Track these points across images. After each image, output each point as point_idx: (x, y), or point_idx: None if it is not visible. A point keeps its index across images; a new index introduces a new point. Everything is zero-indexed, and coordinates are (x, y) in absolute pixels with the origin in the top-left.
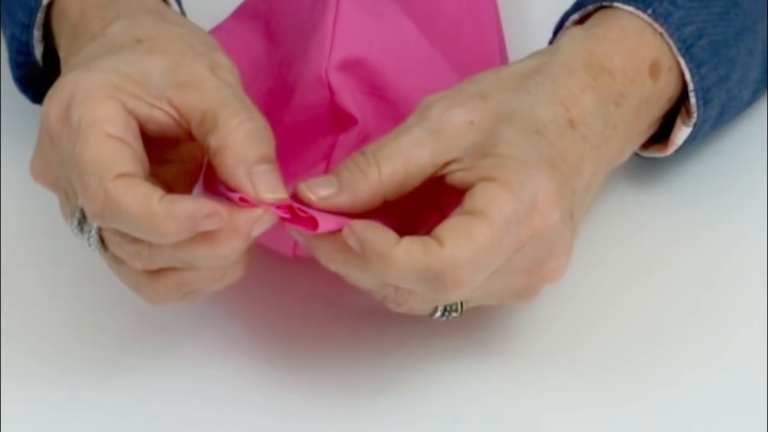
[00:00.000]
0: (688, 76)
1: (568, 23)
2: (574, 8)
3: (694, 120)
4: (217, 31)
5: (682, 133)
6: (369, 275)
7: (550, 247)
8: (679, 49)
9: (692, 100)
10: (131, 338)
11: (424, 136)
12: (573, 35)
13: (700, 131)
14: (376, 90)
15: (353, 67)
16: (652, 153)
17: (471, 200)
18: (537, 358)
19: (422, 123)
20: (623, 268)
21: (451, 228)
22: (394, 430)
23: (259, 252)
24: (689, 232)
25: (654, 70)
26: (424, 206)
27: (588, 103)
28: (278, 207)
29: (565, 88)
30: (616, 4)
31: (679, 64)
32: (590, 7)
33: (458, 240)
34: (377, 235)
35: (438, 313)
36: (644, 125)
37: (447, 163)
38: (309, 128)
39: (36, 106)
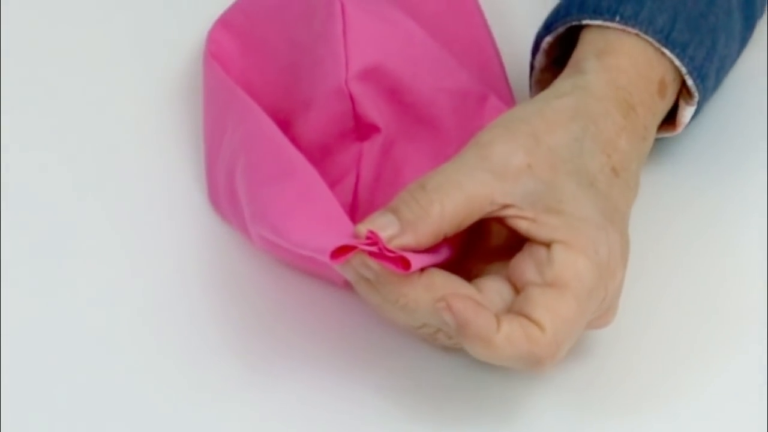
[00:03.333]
0: (678, 63)
1: (544, 45)
2: (546, 30)
3: (696, 98)
4: (211, 45)
5: (687, 112)
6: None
7: (611, 302)
8: (659, 41)
9: (689, 82)
10: (130, 339)
11: (486, 176)
12: (593, 68)
13: (703, 103)
14: (394, 95)
15: (371, 74)
16: (662, 134)
17: (551, 270)
18: None
19: (484, 162)
20: None
21: (545, 308)
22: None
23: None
24: (685, 217)
25: (661, 89)
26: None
27: (624, 147)
28: (366, 244)
29: (605, 131)
30: (585, 21)
31: (681, 81)
32: (561, 29)
33: (556, 322)
34: (478, 318)
35: None
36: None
37: (505, 206)
38: (331, 140)
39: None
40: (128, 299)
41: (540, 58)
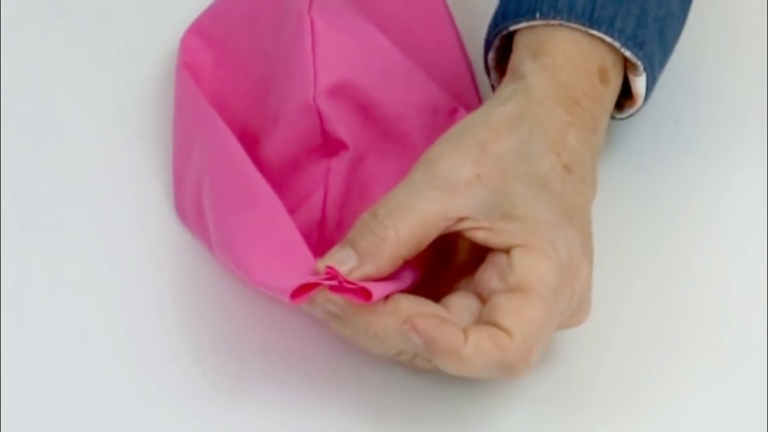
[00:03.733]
0: (609, 39)
1: (490, 62)
2: (486, 48)
3: (641, 67)
4: (185, 56)
5: (639, 83)
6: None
7: (581, 299)
8: (583, 24)
9: (627, 54)
10: (93, 346)
11: (436, 194)
12: (530, 71)
13: (654, 69)
14: (363, 110)
15: (340, 90)
16: (629, 111)
17: (513, 275)
18: None
19: (432, 181)
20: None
21: (511, 314)
22: None
23: None
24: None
25: (603, 77)
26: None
27: (574, 143)
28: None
29: (551, 131)
30: (511, 27)
31: (624, 58)
32: (496, 42)
33: (523, 326)
34: (444, 333)
35: None
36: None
37: (460, 219)
38: (299, 156)
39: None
40: (94, 307)
41: (494, 75)
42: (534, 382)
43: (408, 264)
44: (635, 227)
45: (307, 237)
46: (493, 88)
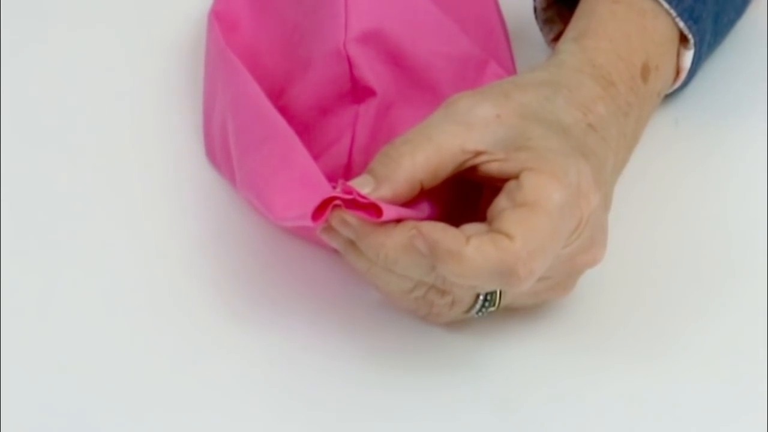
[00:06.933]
0: (666, 6)
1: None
2: None
3: (692, 41)
4: (218, 5)
5: (686, 56)
6: (412, 271)
7: (592, 232)
8: None
9: (681, 24)
10: (133, 337)
11: (454, 127)
12: (569, 50)
13: (702, 46)
14: (393, 58)
15: (371, 38)
16: (673, 86)
17: (521, 193)
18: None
19: (451, 116)
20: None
21: (514, 221)
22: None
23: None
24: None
25: (644, 74)
26: (459, 204)
27: (602, 111)
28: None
29: (580, 95)
30: None
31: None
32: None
33: (525, 232)
34: (446, 235)
35: (475, 310)
36: (641, 130)
37: (478, 153)
38: (328, 101)
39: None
40: (130, 243)
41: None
42: (547, 323)
43: (426, 197)
44: (635, 229)
45: (332, 181)
46: (535, 10)
